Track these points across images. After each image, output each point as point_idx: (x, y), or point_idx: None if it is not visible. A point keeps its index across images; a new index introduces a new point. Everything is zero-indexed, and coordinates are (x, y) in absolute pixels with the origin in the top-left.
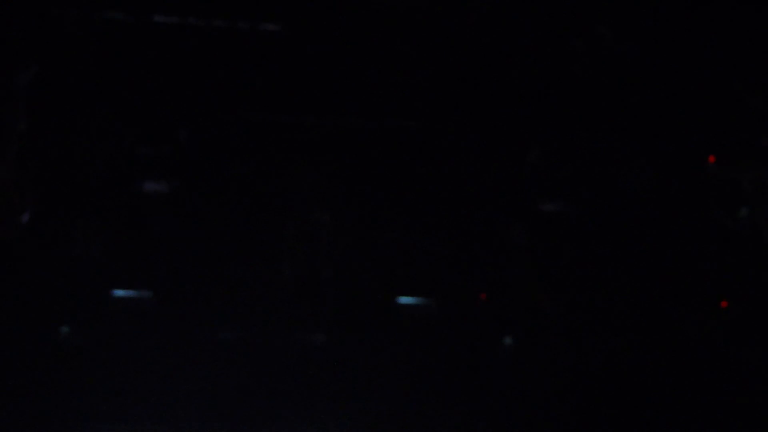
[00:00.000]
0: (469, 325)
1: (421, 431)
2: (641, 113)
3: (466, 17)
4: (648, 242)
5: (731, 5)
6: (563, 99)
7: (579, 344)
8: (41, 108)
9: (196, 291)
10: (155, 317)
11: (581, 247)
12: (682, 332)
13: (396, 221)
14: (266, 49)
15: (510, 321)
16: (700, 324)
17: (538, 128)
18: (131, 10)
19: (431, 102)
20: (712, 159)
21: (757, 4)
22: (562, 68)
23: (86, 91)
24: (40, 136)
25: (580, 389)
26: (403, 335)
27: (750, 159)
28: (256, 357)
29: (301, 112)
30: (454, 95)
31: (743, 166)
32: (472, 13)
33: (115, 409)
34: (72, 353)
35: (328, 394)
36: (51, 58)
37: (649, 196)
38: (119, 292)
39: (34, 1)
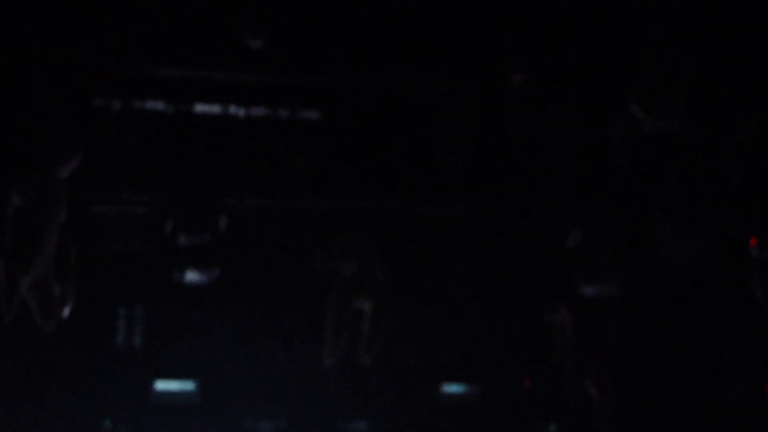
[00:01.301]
0: (514, 412)
1: None
2: (680, 194)
3: (506, 101)
4: (690, 324)
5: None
6: (603, 182)
7: (622, 430)
8: (82, 198)
9: (237, 381)
10: (197, 408)
11: (623, 331)
12: (728, 413)
13: (439, 308)
14: (306, 136)
15: (555, 407)
16: (746, 405)
17: (579, 212)
18: (173, 100)
19: (473, 187)
20: (753, 241)
21: None
22: (601, 150)
23: (127, 180)
24: (82, 226)
25: None
26: (447, 423)
27: None
28: None
29: (341, 199)
30: (496, 180)
31: None
32: (511, 97)
33: None
34: None
35: None
36: (93, 147)
37: (691, 278)
38: (161, 384)
39: (78, 92)
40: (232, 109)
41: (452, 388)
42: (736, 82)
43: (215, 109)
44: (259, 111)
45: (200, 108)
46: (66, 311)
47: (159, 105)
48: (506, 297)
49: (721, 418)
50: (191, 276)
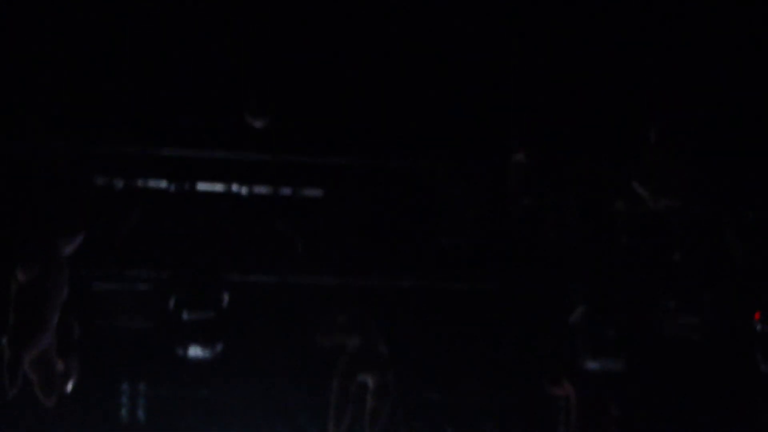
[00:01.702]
0: None
1: None
2: (683, 269)
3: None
4: (695, 400)
5: None
6: (606, 258)
7: None
8: (85, 275)
9: None
10: None
11: (628, 405)
12: None
13: (442, 384)
14: (309, 213)
15: None
16: None
17: (583, 288)
18: (176, 178)
19: (476, 264)
20: (757, 316)
21: None
22: (604, 227)
23: (130, 257)
24: (84, 303)
25: None
26: None
27: None
28: None
29: (343, 275)
30: (498, 257)
31: None
32: (514, 175)
33: None
34: None
35: None
36: (96, 225)
37: (695, 353)
38: None
39: (81, 172)
40: (235, 187)
41: None
42: (740, 160)
43: (218, 187)
44: (261, 189)
45: (203, 186)
46: (69, 387)
47: (162, 183)
48: (509, 372)
49: None
50: (194, 352)
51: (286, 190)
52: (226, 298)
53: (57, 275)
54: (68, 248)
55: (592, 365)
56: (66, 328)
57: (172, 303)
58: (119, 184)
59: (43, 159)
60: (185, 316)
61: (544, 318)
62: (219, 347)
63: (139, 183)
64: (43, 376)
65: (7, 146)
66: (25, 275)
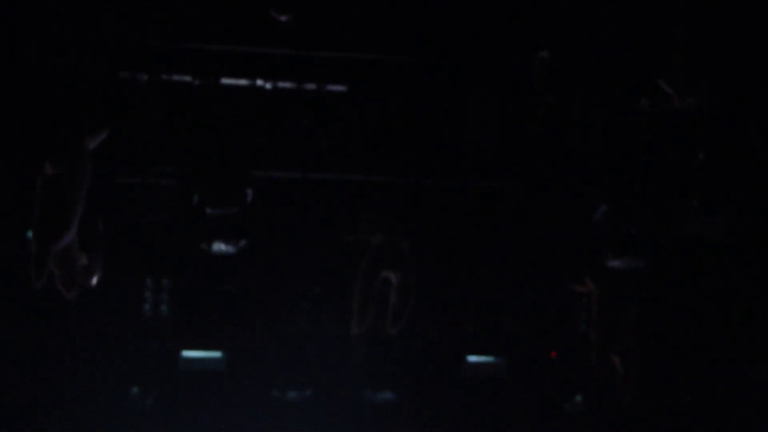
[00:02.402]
0: (539, 384)
1: None
2: (707, 169)
3: (534, 76)
4: (716, 298)
5: None
6: (630, 157)
7: (648, 403)
8: (110, 168)
9: (264, 351)
10: (224, 378)
11: (650, 303)
12: (752, 386)
13: (465, 280)
14: (333, 109)
15: (580, 379)
16: None
17: (606, 186)
18: (200, 73)
19: (499, 160)
20: None
21: None
22: (629, 127)
23: (154, 152)
24: (109, 196)
25: None
26: (473, 394)
27: None
28: (324, 416)
29: (367, 172)
30: (522, 154)
31: None
32: (539, 73)
33: None
34: (141, 414)
35: None
36: (120, 119)
37: (717, 252)
38: (188, 353)
39: (106, 66)
40: (259, 83)
41: (478, 359)
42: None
43: (242, 82)
44: (286, 84)
45: (227, 81)
46: (94, 281)
47: (186, 78)
48: (532, 269)
49: (745, 391)
50: (218, 247)
51: (311, 86)
52: (249, 193)
53: (82, 170)
54: (93, 143)
55: (614, 263)
56: (90, 222)
57: (196, 198)
58: (144, 78)
59: (69, 55)
60: (209, 211)
61: (567, 216)
62: (242, 242)
63: (164, 78)
64: (66, 270)
65: (33, 44)
66: (50, 170)
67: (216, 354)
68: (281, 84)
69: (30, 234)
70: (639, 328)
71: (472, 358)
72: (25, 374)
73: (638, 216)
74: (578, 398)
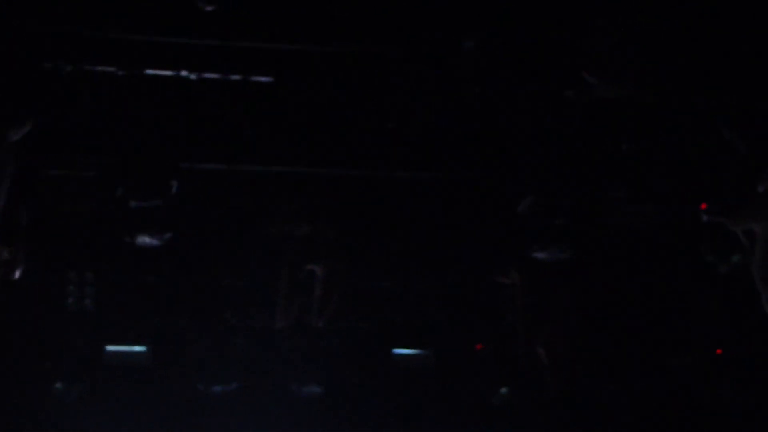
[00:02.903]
0: (465, 376)
1: None
2: (632, 158)
3: (459, 66)
4: (640, 288)
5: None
6: (555, 147)
7: (574, 393)
8: (33, 160)
9: (189, 344)
10: (148, 371)
11: (575, 294)
12: (678, 379)
13: (390, 272)
14: (258, 100)
15: (506, 371)
16: (696, 371)
17: (531, 177)
18: (124, 64)
19: (423, 151)
20: (704, 206)
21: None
22: (555, 118)
23: (78, 143)
24: (32, 188)
25: None
26: (399, 387)
27: (742, 208)
28: (250, 410)
29: (293, 163)
30: (447, 145)
31: (735, 215)
32: (465, 62)
33: None
34: (66, 409)
35: None
36: (44, 110)
37: (642, 242)
38: (113, 347)
39: (28, 56)
40: (184, 73)
41: (404, 352)
42: (689, 46)
43: (167, 73)
44: (211, 75)
45: (152, 72)
46: (17, 274)
47: (110, 68)
48: (458, 261)
49: (671, 380)
50: (143, 240)
51: (236, 77)
52: (174, 185)
53: (4, 162)
54: (16, 135)
55: (539, 254)
56: (12, 214)
57: (120, 190)
58: (67, 68)
59: None
60: (133, 203)
61: (493, 207)
62: (167, 235)
63: (88, 68)
64: None
65: None
66: None
67: (141, 348)
68: (206, 75)
69: None
70: (565, 319)
71: (399, 351)
72: None
73: (563, 207)
74: (504, 390)
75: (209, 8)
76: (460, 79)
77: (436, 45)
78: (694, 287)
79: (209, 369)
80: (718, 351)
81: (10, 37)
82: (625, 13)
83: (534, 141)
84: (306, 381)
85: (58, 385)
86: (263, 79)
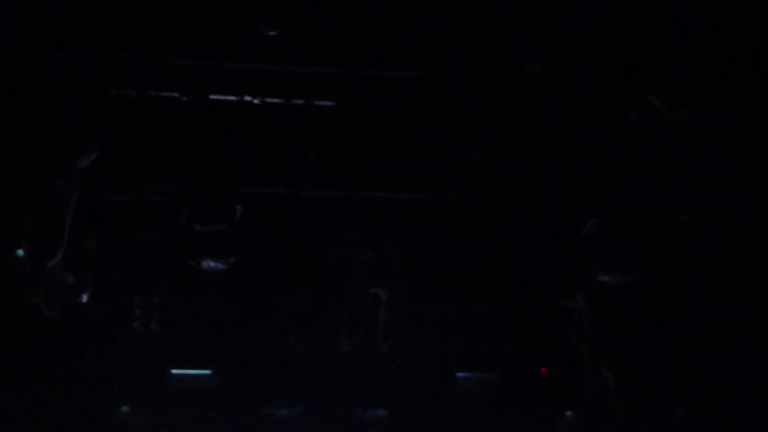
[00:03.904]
0: (529, 400)
1: None
2: (698, 182)
3: (522, 89)
4: (706, 312)
5: None
6: (620, 171)
7: (639, 417)
8: (99, 187)
9: (253, 368)
10: (214, 395)
11: (640, 318)
12: (743, 399)
13: (455, 296)
14: (321, 125)
15: (571, 394)
16: (762, 391)
17: (596, 201)
18: (188, 89)
19: (487, 176)
20: None
21: None
22: (619, 140)
23: (144, 169)
24: (98, 215)
25: None
26: (463, 410)
27: None
28: None
29: (357, 187)
30: (511, 169)
31: None
32: (528, 86)
33: None
34: None
35: None
36: (109, 137)
37: (707, 266)
38: (177, 371)
39: (94, 84)
40: (248, 98)
41: (468, 375)
42: (758, 69)
43: (230, 98)
44: (274, 100)
45: (215, 97)
46: (84, 300)
47: (174, 94)
48: (523, 284)
49: (737, 404)
50: (207, 265)
51: (299, 101)
52: (239, 210)
53: (73, 189)
54: (84, 163)
55: (604, 278)
56: (79, 241)
57: (185, 216)
58: (132, 95)
59: (59, 72)
60: (198, 228)
61: (557, 231)
62: (232, 260)
63: (152, 94)
64: (49, 289)
65: (24, 61)
66: (41, 188)
67: (206, 372)
68: (269, 99)
69: (21, 252)
70: (630, 342)
71: (463, 374)
72: (15, 394)
73: (628, 231)
74: (569, 414)
75: (272, 33)
76: (524, 102)
77: (500, 68)
78: (761, 312)
79: (274, 393)
80: None
81: (76, 66)
82: (692, 35)
83: (598, 164)
84: (370, 405)
85: (124, 408)
86: (326, 103)
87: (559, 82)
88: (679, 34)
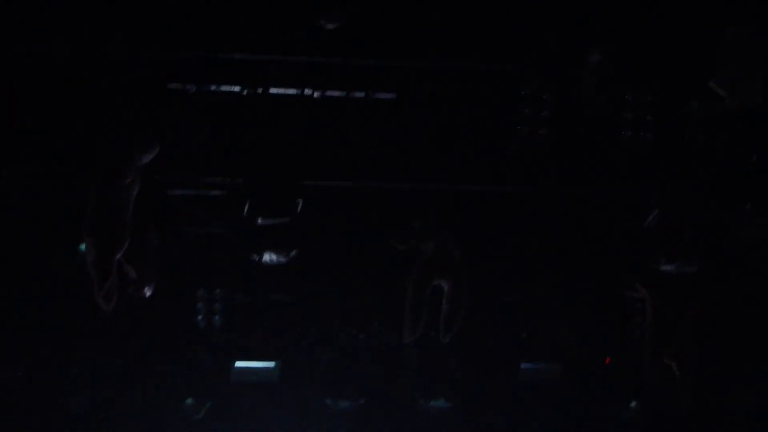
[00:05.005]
0: (594, 390)
1: None
2: (762, 169)
3: (584, 79)
4: None
5: None
6: (682, 160)
7: (704, 406)
8: (160, 182)
9: (316, 360)
10: (277, 388)
11: (704, 307)
12: None
13: (517, 287)
14: (381, 117)
15: (635, 385)
16: None
17: (658, 189)
18: (248, 83)
19: (549, 165)
20: None
21: None
22: (681, 129)
23: (205, 163)
24: (160, 209)
25: None
26: (526, 402)
27: None
28: (378, 424)
29: (417, 179)
30: (573, 158)
31: None
32: (590, 75)
33: None
34: (196, 425)
35: None
36: (170, 132)
37: None
38: (241, 364)
39: (154, 79)
40: (308, 91)
41: (532, 366)
42: None
43: (291, 91)
44: (334, 93)
45: (276, 91)
46: (147, 294)
47: (235, 88)
48: (586, 275)
49: None
50: (269, 257)
51: (360, 94)
52: (300, 203)
53: (133, 183)
54: (144, 156)
55: (667, 267)
56: (141, 235)
57: (246, 209)
58: (192, 89)
59: (118, 67)
60: (260, 221)
61: (619, 220)
62: (293, 252)
63: (213, 88)
64: (110, 283)
65: (84, 57)
66: (103, 184)
67: (269, 364)
68: (330, 92)
69: (83, 247)
70: (694, 332)
71: (526, 365)
72: (79, 386)
73: (691, 220)
74: (633, 404)
75: (331, 26)
76: (585, 91)
77: (560, 58)
78: None
79: (337, 384)
80: None
81: (136, 61)
82: (752, 21)
83: (661, 152)
84: (433, 395)
85: (189, 401)
86: (386, 95)
87: (621, 71)
88: (742, 21)
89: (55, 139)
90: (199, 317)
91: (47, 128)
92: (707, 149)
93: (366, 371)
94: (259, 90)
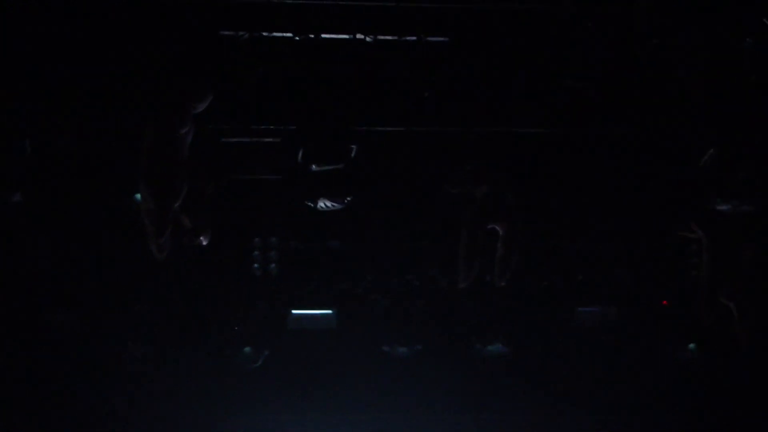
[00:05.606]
0: (651, 333)
1: None
2: None
3: (634, 18)
4: None
5: None
6: (736, 99)
7: (762, 347)
8: (214, 130)
9: (372, 307)
10: (334, 335)
11: (760, 246)
12: None
13: (572, 230)
14: (434, 61)
15: (693, 327)
16: None
17: (712, 129)
18: (300, 29)
19: (602, 107)
20: None
21: None
22: (736, 69)
23: (258, 111)
24: (214, 157)
25: None
26: (583, 345)
27: None
28: (435, 371)
29: (471, 123)
30: (626, 100)
31: None
32: (641, 15)
33: (296, 427)
34: (254, 373)
35: (506, 406)
36: (223, 79)
37: None
38: (298, 311)
39: (206, 26)
40: (360, 36)
41: (588, 309)
42: None
43: (343, 36)
44: (386, 37)
45: (328, 36)
46: (203, 242)
47: (287, 34)
48: (641, 217)
49: None
50: (324, 204)
51: (411, 38)
52: (353, 148)
53: (187, 132)
54: (197, 105)
55: (722, 207)
56: (197, 183)
57: (300, 156)
58: (244, 36)
59: (171, 15)
60: (314, 168)
61: (675, 160)
62: (348, 199)
63: (265, 35)
64: (163, 231)
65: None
66: (157, 132)
67: (326, 311)
68: (382, 37)
69: (138, 196)
70: (751, 272)
71: (582, 309)
72: (136, 336)
73: (746, 159)
74: (692, 346)
75: None
76: (637, 31)
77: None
78: None
79: (393, 331)
80: None
81: (187, 9)
82: None
83: (714, 92)
84: (489, 340)
85: (247, 349)
86: (439, 39)
87: (671, 12)
88: None
89: (110, 88)
90: (255, 265)
91: (101, 79)
92: (761, 87)
93: (422, 317)
94: (311, 35)
